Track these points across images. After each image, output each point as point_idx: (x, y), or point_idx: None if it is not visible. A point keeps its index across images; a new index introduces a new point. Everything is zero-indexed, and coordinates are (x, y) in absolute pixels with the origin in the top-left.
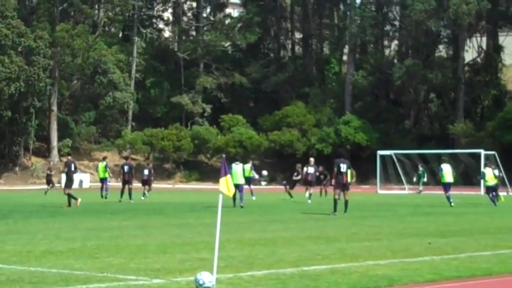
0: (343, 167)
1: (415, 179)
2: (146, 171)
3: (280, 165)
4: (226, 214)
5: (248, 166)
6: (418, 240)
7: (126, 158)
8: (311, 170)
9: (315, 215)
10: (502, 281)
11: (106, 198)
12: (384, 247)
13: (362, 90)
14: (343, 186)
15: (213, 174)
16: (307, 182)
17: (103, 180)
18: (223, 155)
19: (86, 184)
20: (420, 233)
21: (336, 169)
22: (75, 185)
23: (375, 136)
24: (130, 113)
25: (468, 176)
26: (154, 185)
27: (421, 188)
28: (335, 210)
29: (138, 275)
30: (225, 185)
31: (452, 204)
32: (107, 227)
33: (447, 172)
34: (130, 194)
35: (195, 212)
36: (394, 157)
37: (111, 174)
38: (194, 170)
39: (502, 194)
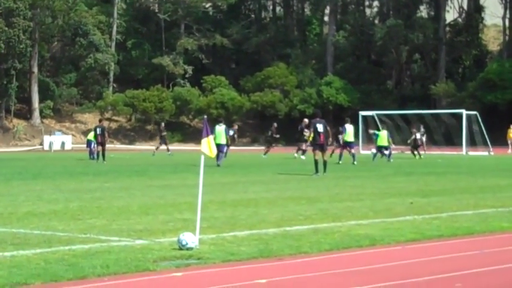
0: (320, 127)
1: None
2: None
3: (263, 126)
4: (208, 175)
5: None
6: (400, 200)
7: (100, 120)
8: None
9: (297, 176)
10: (483, 240)
11: (94, 159)
12: (366, 207)
13: (343, 51)
14: (321, 147)
15: (195, 136)
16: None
17: (90, 142)
18: (205, 116)
19: (68, 146)
20: (402, 193)
21: (312, 129)
22: (57, 146)
23: (356, 97)
24: (111, 75)
25: (450, 136)
26: (136, 147)
27: (424, 147)
28: (316, 171)
29: (121, 236)
30: (207, 146)
31: (355, 162)
32: (89, 189)
33: (350, 132)
34: (103, 156)
35: (177, 173)
36: (376, 118)
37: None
38: (176, 131)
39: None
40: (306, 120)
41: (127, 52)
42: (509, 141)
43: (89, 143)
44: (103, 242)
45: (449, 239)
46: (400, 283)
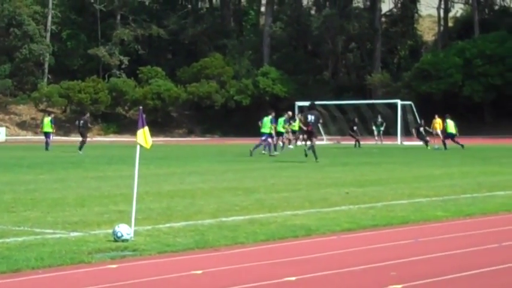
0: (311, 118)
1: (375, 131)
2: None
3: (199, 117)
4: (144, 167)
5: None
6: (335, 190)
7: (84, 113)
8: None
9: (234, 166)
10: (418, 228)
11: (47, 150)
12: (302, 197)
13: (280, 42)
14: (310, 133)
15: (131, 127)
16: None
17: (47, 134)
18: (141, 107)
19: (2, 138)
20: (338, 183)
21: (303, 118)
22: None
23: (293, 87)
24: (46, 66)
25: (385, 126)
26: (71, 138)
27: (381, 138)
28: (316, 157)
29: (56, 228)
30: (143, 137)
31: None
32: (23, 181)
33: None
34: (81, 147)
35: (113, 164)
36: None
37: (54, 129)
38: (112, 123)
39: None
40: (290, 112)
41: (62, 43)
42: (433, 132)
43: (46, 134)
44: (37, 235)
45: (385, 228)
46: (335, 272)
